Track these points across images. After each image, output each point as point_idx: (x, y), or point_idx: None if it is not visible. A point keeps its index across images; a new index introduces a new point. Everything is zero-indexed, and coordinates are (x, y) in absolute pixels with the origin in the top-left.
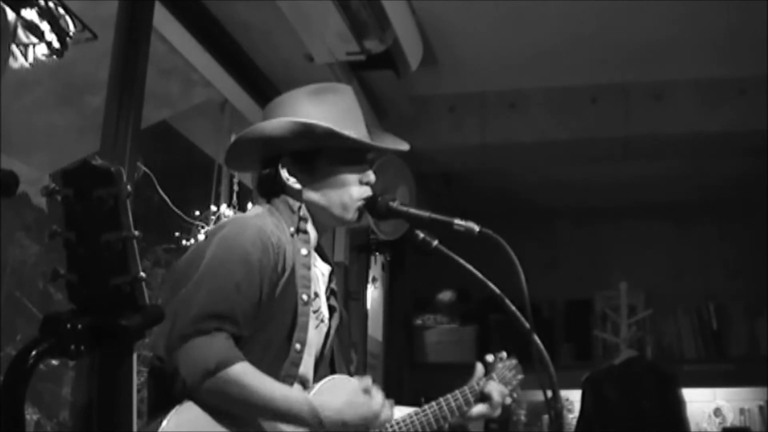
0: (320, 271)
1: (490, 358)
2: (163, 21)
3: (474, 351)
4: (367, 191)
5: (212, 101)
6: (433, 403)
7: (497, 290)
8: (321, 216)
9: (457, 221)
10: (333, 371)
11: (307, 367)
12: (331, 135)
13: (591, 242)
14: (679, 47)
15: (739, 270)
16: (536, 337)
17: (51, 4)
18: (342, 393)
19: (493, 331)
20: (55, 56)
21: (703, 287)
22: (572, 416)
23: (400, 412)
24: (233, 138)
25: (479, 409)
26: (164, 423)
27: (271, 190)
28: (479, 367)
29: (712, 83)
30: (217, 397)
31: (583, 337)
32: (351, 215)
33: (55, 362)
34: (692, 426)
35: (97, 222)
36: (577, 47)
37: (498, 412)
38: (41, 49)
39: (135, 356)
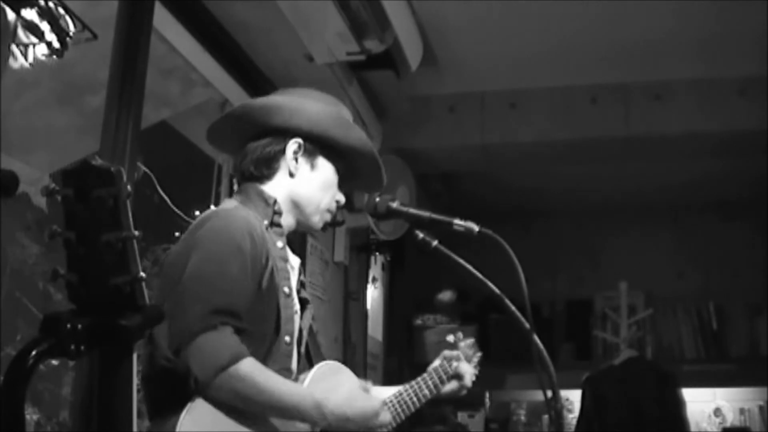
0: (291, 264)
1: (451, 338)
2: (163, 21)
3: None
4: (335, 208)
5: (212, 101)
6: (413, 383)
7: (497, 290)
8: (293, 213)
9: (457, 221)
10: (310, 365)
11: (295, 360)
12: (364, 143)
13: (591, 242)
14: (680, 47)
15: (739, 270)
16: (536, 337)
17: (51, 4)
18: (341, 386)
19: (493, 331)
20: (55, 56)
21: (703, 287)
22: (572, 416)
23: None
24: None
25: (451, 386)
26: (180, 421)
27: (259, 167)
28: (449, 351)
29: (712, 83)
30: (228, 393)
31: (583, 337)
32: (320, 223)
33: (55, 362)
34: (692, 426)
35: (97, 222)
36: (577, 47)
37: (465, 392)
38: (41, 49)
39: (135, 356)
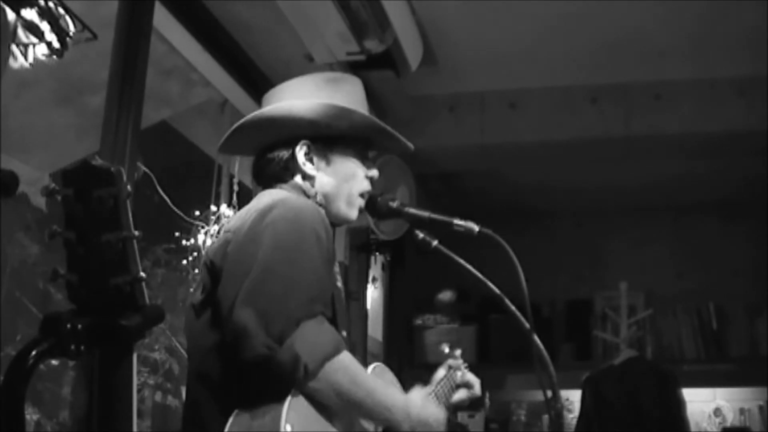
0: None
1: (445, 348)
2: (163, 21)
3: (474, 351)
4: (368, 186)
5: (212, 101)
6: (434, 393)
7: (497, 290)
8: (326, 208)
9: (457, 221)
10: None
11: None
12: (366, 123)
13: (591, 242)
14: (679, 47)
15: (739, 270)
16: (536, 337)
17: (51, 4)
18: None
19: (493, 331)
20: (55, 56)
21: (703, 287)
22: (572, 416)
23: None
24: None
25: (460, 396)
26: (283, 417)
27: (279, 175)
28: (453, 360)
29: (712, 83)
30: (329, 384)
31: (583, 337)
32: (354, 212)
33: (55, 362)
34: (692, 426)
35: (97, 222)
36: (578, 47)
37: (469, 402)
38: (41, 49)
39: (135, 356)
